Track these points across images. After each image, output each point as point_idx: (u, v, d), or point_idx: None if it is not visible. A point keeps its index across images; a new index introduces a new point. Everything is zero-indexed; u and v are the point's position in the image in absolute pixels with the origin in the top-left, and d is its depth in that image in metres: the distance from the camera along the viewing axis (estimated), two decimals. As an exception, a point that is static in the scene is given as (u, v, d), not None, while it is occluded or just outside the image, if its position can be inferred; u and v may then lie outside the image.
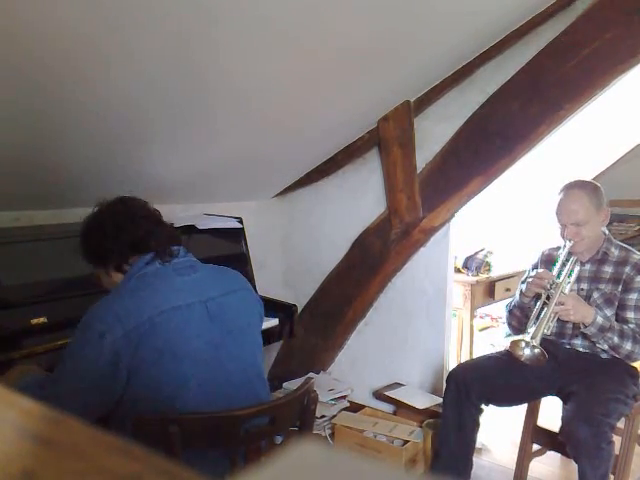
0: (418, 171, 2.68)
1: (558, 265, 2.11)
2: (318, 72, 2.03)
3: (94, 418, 1.34)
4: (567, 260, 2.10)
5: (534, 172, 3.77)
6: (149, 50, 1.55)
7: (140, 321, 1.29)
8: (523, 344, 1.99)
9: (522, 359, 1.99)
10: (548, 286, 2.05)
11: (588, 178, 3.82)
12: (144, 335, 1.28)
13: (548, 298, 2.05)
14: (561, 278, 2.06)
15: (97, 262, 1.48)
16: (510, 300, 2.34)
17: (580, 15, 2.18)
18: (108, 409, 1.35)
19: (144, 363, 1.29)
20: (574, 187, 2.09)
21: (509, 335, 2.38)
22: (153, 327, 1.30)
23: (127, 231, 1.42)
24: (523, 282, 2.22)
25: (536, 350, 1.95)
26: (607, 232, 2.18)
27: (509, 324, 2.32)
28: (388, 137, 2.70)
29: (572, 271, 2.10)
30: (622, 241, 2.28)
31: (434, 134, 2.63)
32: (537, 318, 2.05)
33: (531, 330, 2.01)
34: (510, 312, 2.29)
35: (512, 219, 4.33)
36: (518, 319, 2.24)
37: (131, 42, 1.48)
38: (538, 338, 1.96)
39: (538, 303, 2.09)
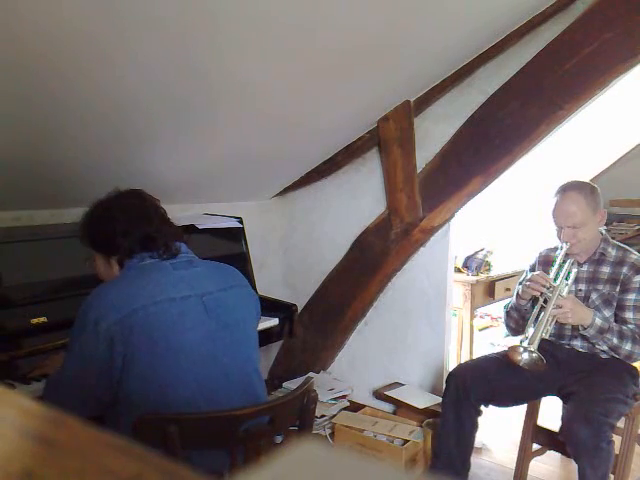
0: (418, 171, 2.68)
1: (555, 267, 2.10)
2: (318, 72, 2.03)
3: (96, 408, 1.37)
4: (564, 262, 2.10)
5: (534, 172, 3.77)
6: (152, 50, 1.55)
7: (133, 308, 1.30)
8: (521, 349, 1.98)
9: (520, 364, 1.99)
10: (545, 289, 2.04)
11: (588, 178, 3.82)
12: (137, 323, 1.30)
13: (545, 301, 2.04)
14: (558, 280, 2.05)
15: (101, 250, 1.49)
16: (508, 301, 2.33)
17: (580, 15, 2.18)
18: (109, 398, 1.36)
19: (138, 351, 1.30)
20: (571, 189, 2.08)
21: (508, 335, 2.38)
22: (147, 316, 1.31)
23: (139, 229, 1.44)
24: (520, 283, 2.21)
25: (534, 355, 1.95)
26: (604, 232, 2.18)
27: (507, 325, 2.31)
28: (388, 137, 2.70)
29: (570, 273, 2.09)
30: (622, 241, 2.27)
31: (434, 134, 2.63)
32: (536, 320, 2.05)
33: (529, 334, 2.01)
34: (507, 313, 2.29)
35: (512, 219, 4.33)
36: (515, 320, 2.24)
37: (134, 41, 1.48)
38: (536, 343, 1.95)
39: (536, 306, 2.09)
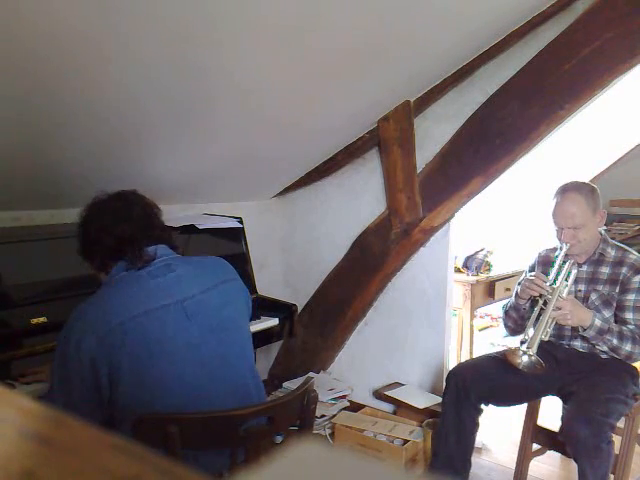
0: (418, 171, 2.68)
1: (555, 268, 2.10)
2: (318, 72, 2.03)
3: (97, 423, 1.34)
4: (564, 262, 2.10)
5: (534, 172, 3.77)
6: (151, 50, 1.55)
7: (110, 327, 1.28)
8: (520, 352, 1.99)
9: (520, 367, 1.99)
10: (544, 291, 2.04)
11: (588, 178, 3.82)
12: (116, 341, 1.27)
13: (545, 303, 2.04)
14: (558, 282, 2.05)
15: (85, 259, 1.49)
16: (506, 301, 2.33)
17: (580, 15, 2.18)
18: (103, 417, 1.34)
19: (120, 369, 1.28)
20: (571, 190, 2.08)
21: (507, 335, 2.38)
22: (124, 333, 1.28)
23: (109, 236, 1.41)
24: (519, 283, 2.22)
25: (533, 358, 1.95)
26: (603, 232, 2.18)
27: (505, 325, 2.32)
28: (388, 137, 2.70)
29: (569, 274, 2.09)
30: (622, 241, 2.27)
31: (434, 134, 2.63)
32: (535, 321, 2.05)
33: (529, 336, 2.01)
34: (506, 313, 2.29)
35: (512, 219, 4.33)
36: (514, 320, 2.24)
37: (133, 41, 1.48)
38: (535, 346, 1.95)
39: (535, 308, 2.09)
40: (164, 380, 1.32)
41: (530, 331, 2.03)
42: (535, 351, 1.94)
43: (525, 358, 1.98)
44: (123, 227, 1.41)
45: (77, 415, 1.05)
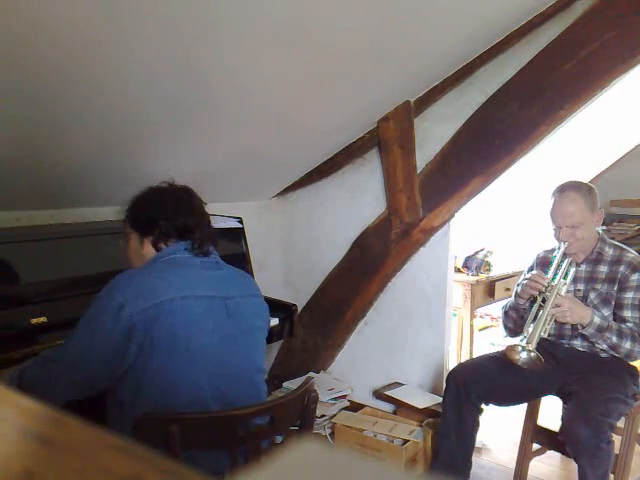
0: (418, 171, 2.68)
1: (553, 267, 2.10)
2: (318, 73, 2.03)
3: (93, 390, 1.35)
4: (562, 261, 2.10)
5: (534, 172, 3.77)
6: (153, 50, 1.55)
7: (161, 300, 1.31)
8: (519, 348, 1.99)
9: (519, 363, 1.99)
10: (543, 288, 2.05)
11: (588, 178, 3.82)
12: (162, 315, 1.31)
13: (544, 301, 2.05)
14: (556, 280, 2.06)
15: (138, 228, 1.51)
16: (505, 302, 2.34)
17: (580, 15, 2.18)
18: (108, 384, 1.35)
19: (155, 345, 1.30)
20: (569, 189, 2.09)
21: (507, 336, 2.38)
22: (172, 310, 1.32)
23: (182, 217, 1.48)
24: (519, 284, 2.22)
25: (532, 354, 1.95)
26: (600, 231, 2.18)
27: (504, 326, 2.31)
28: (388, 137, 2.70)
29: (568, 272, 2.10)
30: (622, 241, 2.28)
31: (434, 134, 2.63)
32: (534, 319, 2.05)
33: (528, 333, 2.01)
34: (505, 313, 2.29)
35: (512, 219, 4.33)
36: (513, 320, 2.24)
37: (135, 42, 1.49)
38: (534, 342, 1.95)
39: (534, 305, 2.09)
40: (193, 369, 1.34)
41: (529, 329, 2.03)
42: (534, 347, 1.94)
43: (524, 354, 1.98)
44: (191, 215, 1.51)
45: (86, 370, 1.17)
